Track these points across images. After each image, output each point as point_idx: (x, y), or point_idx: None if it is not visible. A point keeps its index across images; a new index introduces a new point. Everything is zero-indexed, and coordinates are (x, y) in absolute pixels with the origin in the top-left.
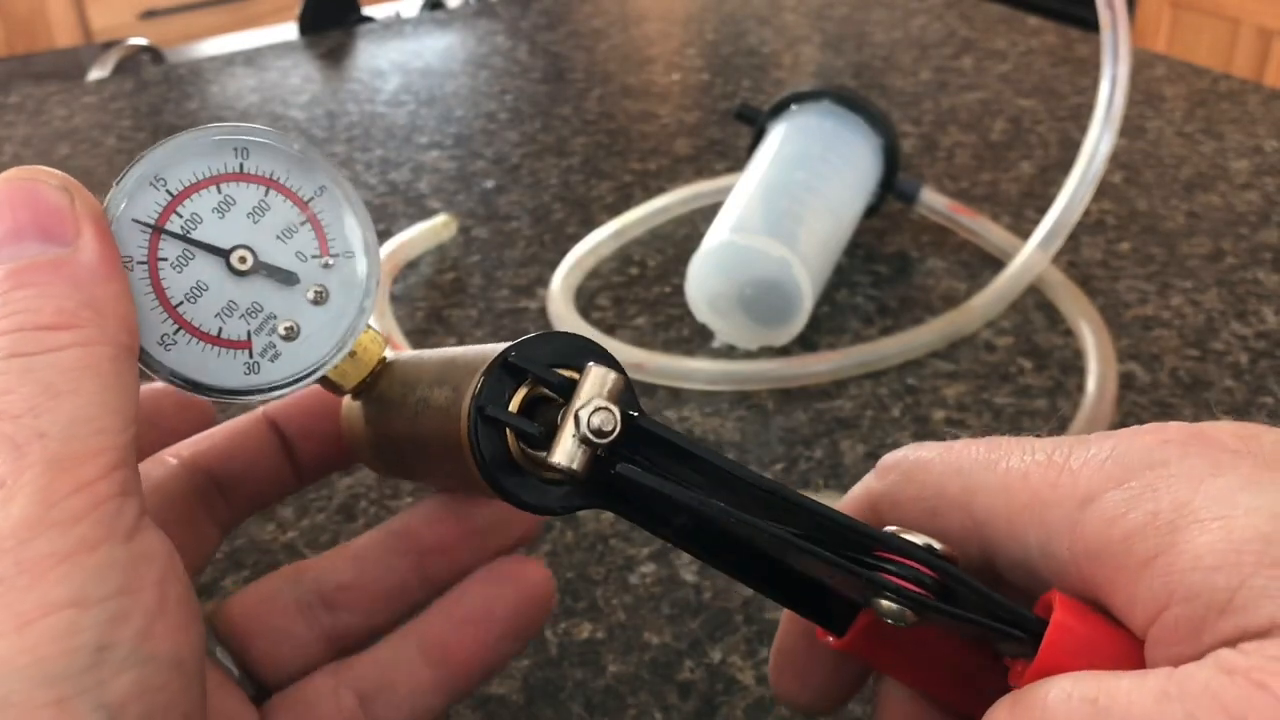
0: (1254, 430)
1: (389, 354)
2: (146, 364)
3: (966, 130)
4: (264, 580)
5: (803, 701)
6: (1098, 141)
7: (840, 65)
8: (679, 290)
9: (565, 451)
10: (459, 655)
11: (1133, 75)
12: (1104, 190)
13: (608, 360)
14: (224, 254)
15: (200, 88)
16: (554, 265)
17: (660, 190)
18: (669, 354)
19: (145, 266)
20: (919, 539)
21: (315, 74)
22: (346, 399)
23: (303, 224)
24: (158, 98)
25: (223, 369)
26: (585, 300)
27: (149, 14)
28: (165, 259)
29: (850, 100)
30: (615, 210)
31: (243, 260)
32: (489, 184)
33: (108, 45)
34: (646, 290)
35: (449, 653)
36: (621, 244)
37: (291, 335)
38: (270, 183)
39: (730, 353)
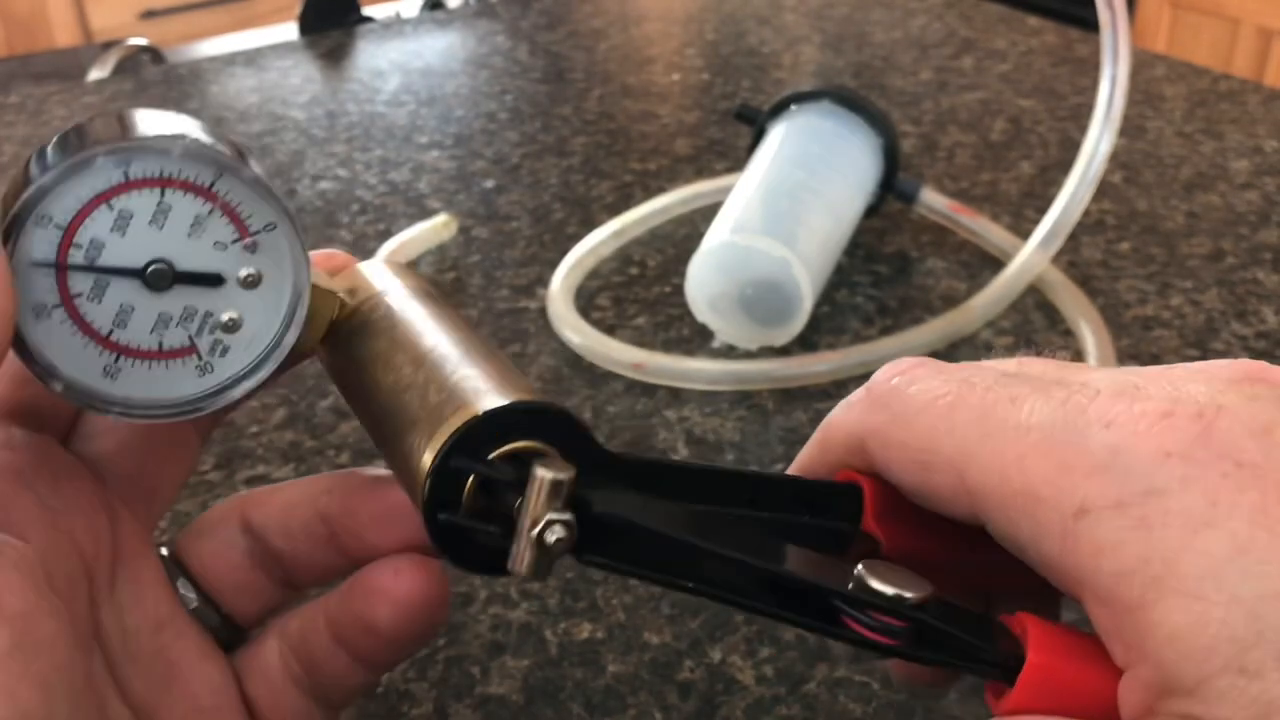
0: (1272, 418)
1: (352, 288)
2: (93, 405)
3: (966, 130)
4: (214, 524)
5: None
6: (1098, 141)
7: (840, 65)
8: (679, 290)
9: (524, 563)
10: (360, 646)
11: (1133, 75)
12: (1104, 190)
13: (557, 432)
14: (138, 273)
15: (200, 88)
16: (554, 265)
17: (660, 190)
18: (669, 354)
19: (62, 309)
20: (889, 589)
21: (315, 74)
22: None
23: (210, 212)
24: (158, 98)
25: (175, 380)
26: (585, 300)
27: (149, 14)
28: (79, 294)
29: (850, 100)
30: (615, 210)
31: (160, 276)
32: (489, 184)
33: (108, 45)
34: (646, 290)
35: (351, 641)
36: (621, 244)
37: (235, 326)
38: (162, 182)
39: (730, 353)
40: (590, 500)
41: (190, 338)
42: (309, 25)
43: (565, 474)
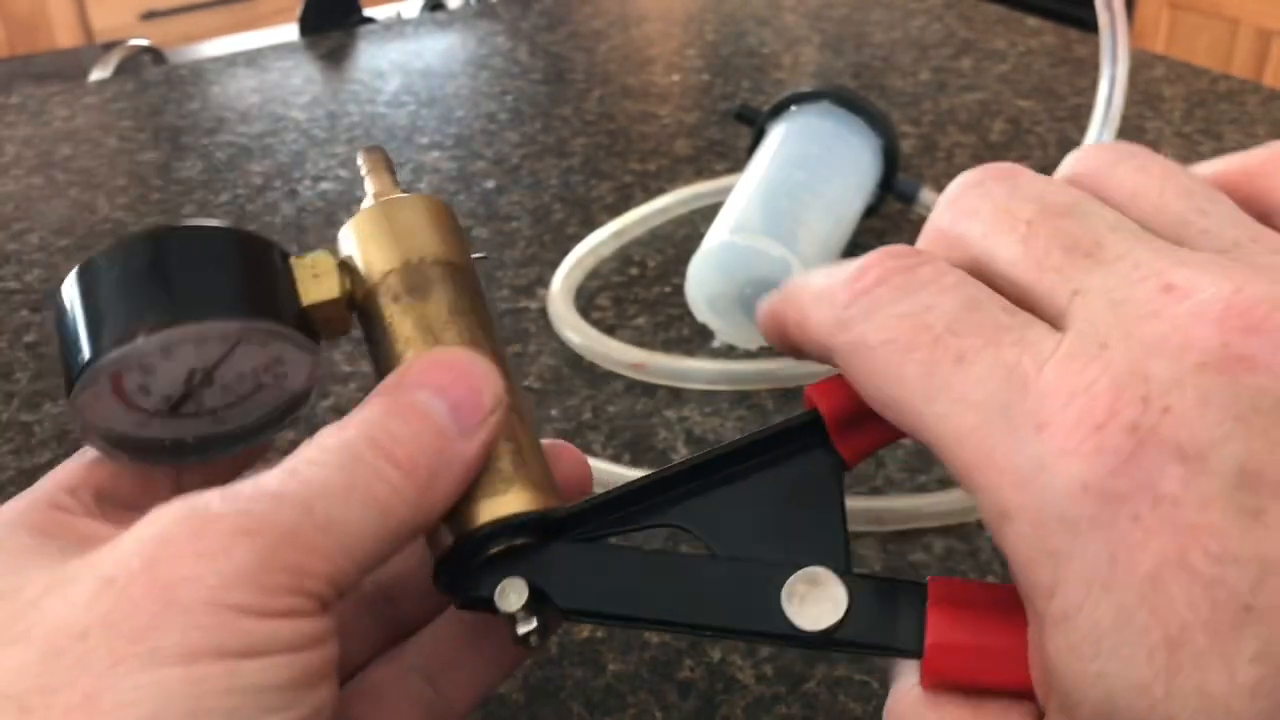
0: (1211, 437)
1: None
2: (222, 444)
3: (966, 130)
4: None
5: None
6: (1097, 141)
7: (840, 66)
8: (679, 290)
9: (521, 638)
10: (502, 640)
11: (1132, 76)
12: None
13: (532, 525)
14: (186, 392)
15: (201, 88)
16: (554, 265)
17: (660, 190)
18: (669, 354)
19: (155, 416)
20: (805, 623)
21: (316, 75)
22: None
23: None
24: (159, 98)
25: (267, 399)
26: (585, 300)
27: (150, 15)
28: (158, 411)
29: (850, 101)
30: (615, 210)
31: (204, 380)
32: (489, 184)
33: (109, 46)
34: (646, 290)
35: (494, 637)
36: (621, 244)
37: (280, 363)
38: (161, 331)
39: (730, 353)
40: (552, 598)
41: (255, 382)
42: (309, 26)
43: (523, 597)
